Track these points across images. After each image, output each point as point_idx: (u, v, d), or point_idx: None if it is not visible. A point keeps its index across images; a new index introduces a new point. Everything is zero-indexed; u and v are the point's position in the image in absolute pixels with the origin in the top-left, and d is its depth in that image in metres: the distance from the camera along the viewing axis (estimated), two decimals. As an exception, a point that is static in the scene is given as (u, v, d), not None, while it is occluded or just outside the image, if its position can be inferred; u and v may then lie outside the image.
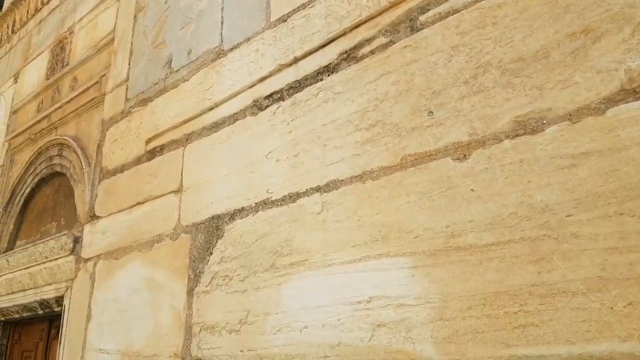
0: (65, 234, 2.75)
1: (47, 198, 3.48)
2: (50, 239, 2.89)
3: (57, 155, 3.35)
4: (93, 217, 2.75)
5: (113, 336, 2.31)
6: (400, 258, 1.41)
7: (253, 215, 1.91)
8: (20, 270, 3.18)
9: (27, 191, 3.63)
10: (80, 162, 3.00)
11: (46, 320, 3.33)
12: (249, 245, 1.89)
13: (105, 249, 2.56)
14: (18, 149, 3.87)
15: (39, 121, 3.68)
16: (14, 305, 3.27)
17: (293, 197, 1.79)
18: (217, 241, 2.03)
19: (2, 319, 3.55)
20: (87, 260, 2.66)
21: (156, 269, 2.24)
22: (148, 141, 2.57)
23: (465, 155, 1.37)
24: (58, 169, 3.33)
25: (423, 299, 1.34)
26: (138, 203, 2.47)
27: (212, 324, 1.91)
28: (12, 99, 4.24)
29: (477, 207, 1.31)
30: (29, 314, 3.26)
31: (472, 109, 1.39)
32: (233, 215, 2.00)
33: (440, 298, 1.31)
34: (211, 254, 2.03)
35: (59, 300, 2.85)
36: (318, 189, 1.71)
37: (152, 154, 2.52)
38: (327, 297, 1.56)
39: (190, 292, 2.05)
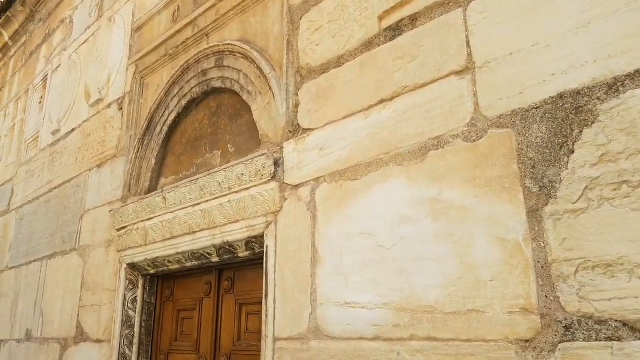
0: (264, 154, 2.06)
1: (200, 123, 2.82)
2: (237, 164, 2.21)
3: (214, 67, 2.65)
4: (296, 131, 2.04)
5: (370, 284, 1.63)
6: None
7: (679, 77, 1.12)
8: (186, 208, 2.54)
9: (170, 118, 2.97)
10: (259, 68, 2.28)
11: (212, 271, 2.71)
12: (679, 126, 1.10)
13: (328, 169, 1.86)
14: (150, 69, 3.22)
15: (178, 31, 2.98)
16: (176, 254, 2.64)
17: None
18: (581, 131, 1.26)
19: (152, 271, 2.93)
20: (298, 186, 1.97)
21: (442, 186, 1.50)
22: (384, 15, 1.81)
23: None
24: (217, 84, 2.64)
25: None
26: (381, 101, 1.73)
27: (606, 261, 1.16)
28: (132, 15, 3.59)
29: None
30: (194, 263, 2.63)
31: None
32: (615, 86, 1.22)
33: None
34: (572, 152, 1.26)
35: (251, 241, 2.20)
36: None
37: (394, 30, 1.76)
38: None
39: (533, 214, 1.30)
